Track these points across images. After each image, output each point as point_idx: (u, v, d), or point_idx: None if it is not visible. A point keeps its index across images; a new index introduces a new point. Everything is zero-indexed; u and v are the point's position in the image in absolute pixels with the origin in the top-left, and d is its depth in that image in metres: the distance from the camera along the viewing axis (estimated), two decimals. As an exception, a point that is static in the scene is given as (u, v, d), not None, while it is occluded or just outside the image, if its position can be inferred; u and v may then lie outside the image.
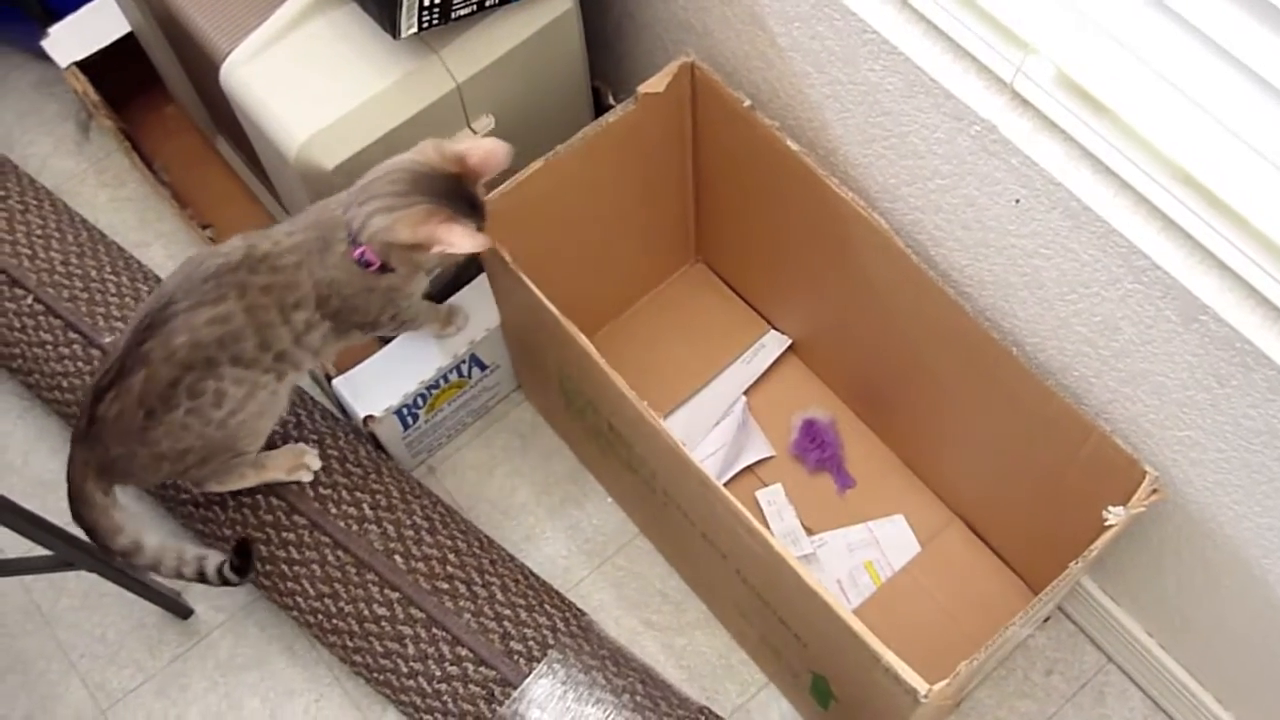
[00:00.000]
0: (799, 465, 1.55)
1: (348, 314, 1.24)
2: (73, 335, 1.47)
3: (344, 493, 1.37)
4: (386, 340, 1.48)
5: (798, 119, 1.33)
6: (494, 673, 1.27)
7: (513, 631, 1.30)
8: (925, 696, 1.00)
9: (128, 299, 1.50)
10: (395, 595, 1.32)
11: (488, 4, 1.28)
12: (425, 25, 1.25)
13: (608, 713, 1.25)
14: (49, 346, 1.47)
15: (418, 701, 1.30)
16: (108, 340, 1.45)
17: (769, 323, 1.63)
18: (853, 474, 1.54)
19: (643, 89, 1.33)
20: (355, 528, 1.35)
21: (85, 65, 1.73)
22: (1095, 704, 1.44)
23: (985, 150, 1.09)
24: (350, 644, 1.35)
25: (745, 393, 1.59)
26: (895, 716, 1.11)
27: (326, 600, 1.34)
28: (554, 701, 1.25)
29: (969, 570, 1.48)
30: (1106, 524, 1.10)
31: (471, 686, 1.28)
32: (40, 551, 1.31)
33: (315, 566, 1.35)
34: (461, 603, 1.31)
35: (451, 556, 1.35)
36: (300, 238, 1.21)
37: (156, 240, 1.80)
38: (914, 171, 1.21)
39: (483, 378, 1.56)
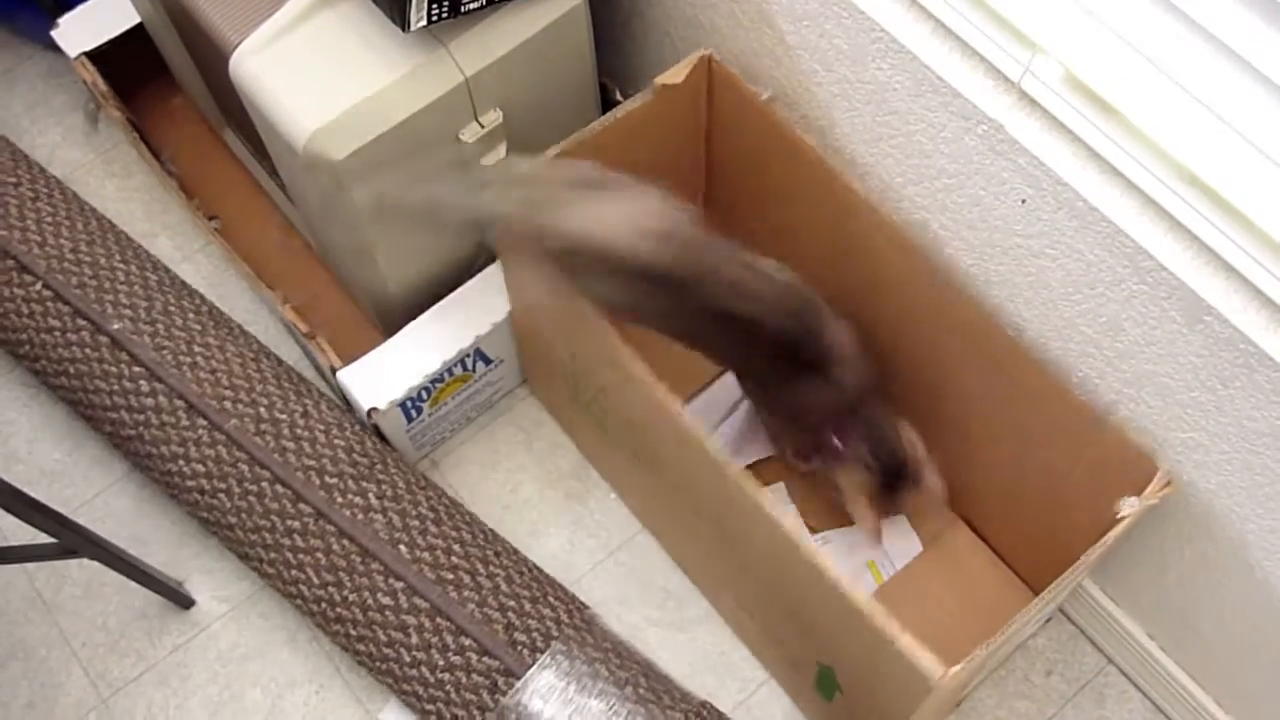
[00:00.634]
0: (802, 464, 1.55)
1: None
2: (80, 322, 1.47)
3: (350, 482, 1.38)
4: (390, 333, 1.49)
5: (805, 117, 1.33)
6: (497, 663, 1.27)
7: (516, 623, 1.30)
8: (940, 680, 0.99)
9: (136, 287, 1.50)
10: (400, 585, 1.32)
11: (498, -2, 1.29)
12: (434, 19, 1.25)
13: (610, 704, 1.25)
14: (56, 333, 1.48)
15: (420, 691, 1.31)
16: (115, 327, 1.45)
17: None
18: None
19: (660, 80, 1.33)
20: (361, 517, 1.35)
21: (94, 56, 1.73)
22: (1095, 705, 1.44)
23: (992, 150, 1.10)
24: (354, 633, 1.35)
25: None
26: (903, 706, 1.12)
27: (331, 589, 1.35)
28: (556, 693, 1.26)
29: (971, 571, 1.48)
30: (1119, 516, 1.11)
31: (475, 676, 1.28)
32: (43, 539, 1.31)
33: (320, 555, 1.35)
34: (466, 593, 1.31)
35: (456, 548, 1.35)
36: None
37: (163, 231, 1.80)
38: (921, 170, 1.22)
39: (487, 372, 1.56)
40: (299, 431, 1.40)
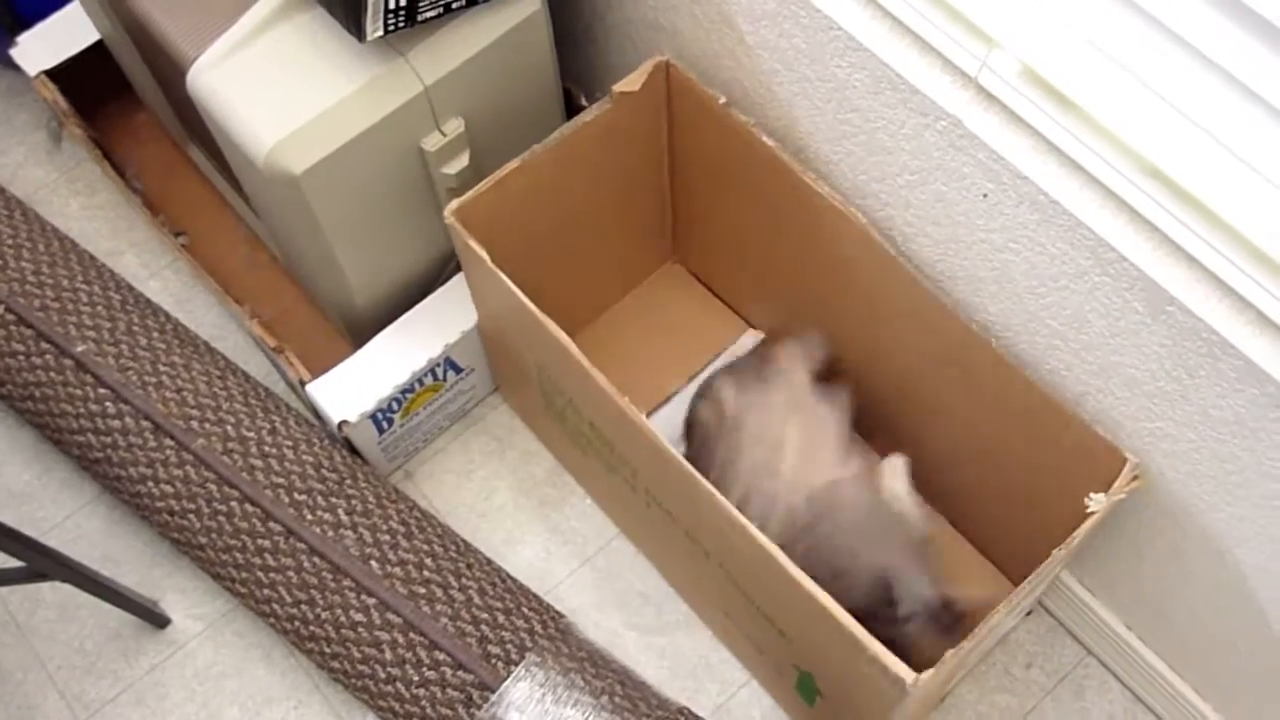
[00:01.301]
0: None
1: None
2: (45, 345, 1.46)
3: (319, 499, 1.37)
4: (360, 344, 1.48)
5: (768, 117, 1.33)
6: (472, 677, 1.27)
7: (490, 635, 1.29)
8: (913, 685, 0.99)
9: (100, 308, 1.49)
10: (372, 601, 1.31)
11: (454, 6, 1.28)
12: (391, 28, 1.24)
13: (586, 714, 1.24)
14: (20, 357, 1.46)
15: (396, 707, 1.30)
16: (80, 350, 1.44)
17: (746, 323, 1.63)
18: (831, 471, 1.54)
19: (618, 88, 1.33)
20: (331, 534, 1.35)
21: (55, 74, 1.72)
22: (1075, 697, 1.44)
23: (952, 145, 1.10)
24: (328, 650, 1.34)
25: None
26: (882, 709, 1.11)
27: (303, 607, 1.34)
28: (532, 704, 1.25)
29: (950, 564, 1.48)
30: (1089, 511, 1.10)
31: (450, 691, 1.27)
32: (13, 563, 1.30)
33: (292, 573, 1.34)
34: (439, 607, 1.31)
35: (428, 561, 1.35)
36: None
37: (130, 249, 1.79)
38: (883, 168, 1.21)
39: (459, 381, 1.55)
40: (267, 449, 1.39)
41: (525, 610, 1.33)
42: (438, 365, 1.49)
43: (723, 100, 1.31)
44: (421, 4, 1.24)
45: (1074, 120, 0.99)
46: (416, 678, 1.28)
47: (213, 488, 1.38)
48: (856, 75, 1.15)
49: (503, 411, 1.65)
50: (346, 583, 1.32)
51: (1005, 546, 1.44)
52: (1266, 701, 1.25)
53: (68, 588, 1.40)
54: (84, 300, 1.50)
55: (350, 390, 1.44)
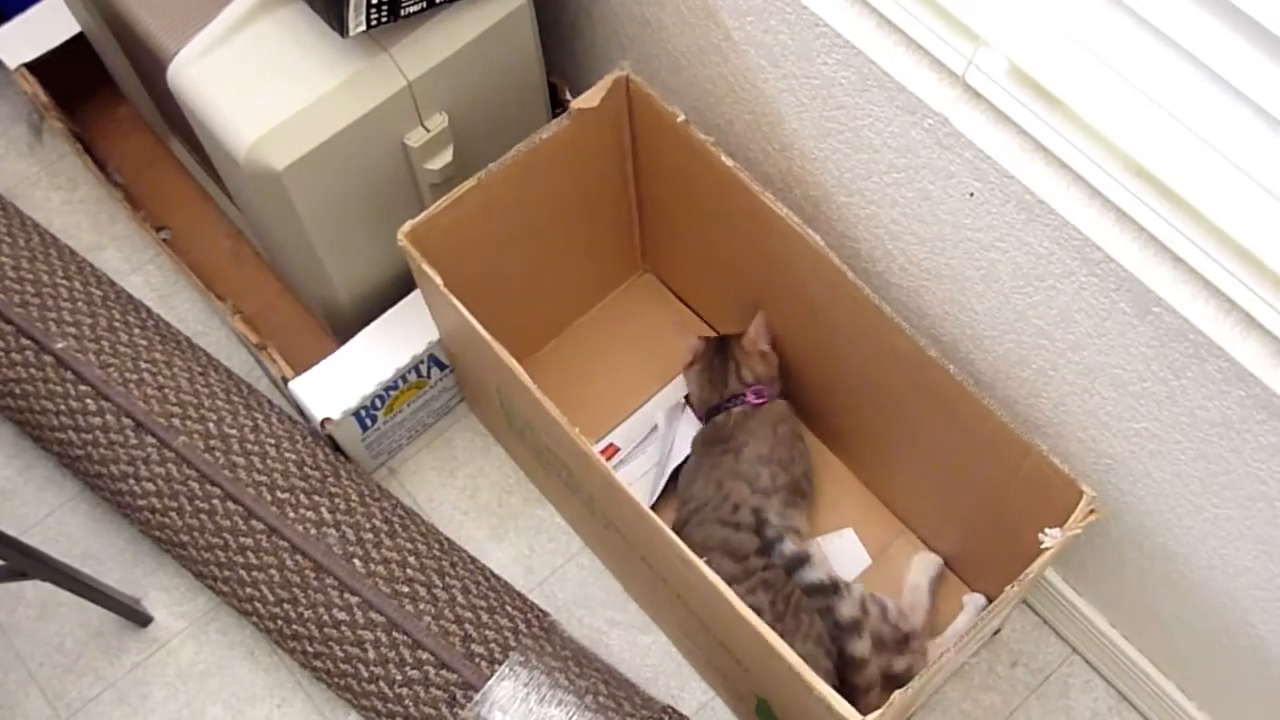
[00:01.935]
0: None
1: None
2: (24, 341, 1.44)
3: (302, 496, 1.36)
4: (344, 340, 1.47)
5: (753, 113, 1.32)
6: (455, 676, 1.26)
7: (474, 634, 1.29)
8: None
9: (80, 303, 1.48)
10: (355, 600, 1.30)
11: (438, 1, 1.27)
12: (374, 23, 1.23)
13: (569, 713, 1.24)
14: (0, 353, 1.45)
15: (379, 706, 1.29)
16: (60, 346, 1.43)
17: (717, 333, 1.62)
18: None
19: (576, 104, 1.31)
20: (314, 532, 1.34)
21: (35, 66, 1.71)
22: (1060, 695, 1.44)
23: (939, 144, 1.09)
24: (310, 649, 1.33)
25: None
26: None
27: (286, 606, 1.33)
28: (516, 703, 1.24)
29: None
30: (1042, 546, 1.10)
31: (433, 690, 1.26)
32: (-8, 561, 1.29)
33: (274, 572, 1.33)
34: (422, 606, 1.30)
35: (411, 559, 1.34)
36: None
37: (111, 243, 1.77)
38: (869, 165, 1.21)
39: (442, 378, 1.54)
40: (249, 446, 1.38)
41: (509, 609, 1.33)
42: (421, 362, 1.48)
43: (681, 118, 1.30)
44: (405, -1, 1.23)
45: (1061, 119, 0.99)
46: (400, 677, 1.27)
47: (194, 485, 1.37)
48: (843, 72, 1.14)
49: (487, 408, 1.64)
50: (329, 581, 1.31)
51: (975, 566, 1.43)
52: (1250, 699, 1.25)
53: (49, 585, 1.39)
54: (64, 296, 1.48)
55: (333, 387, 1.43)
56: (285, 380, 1.45)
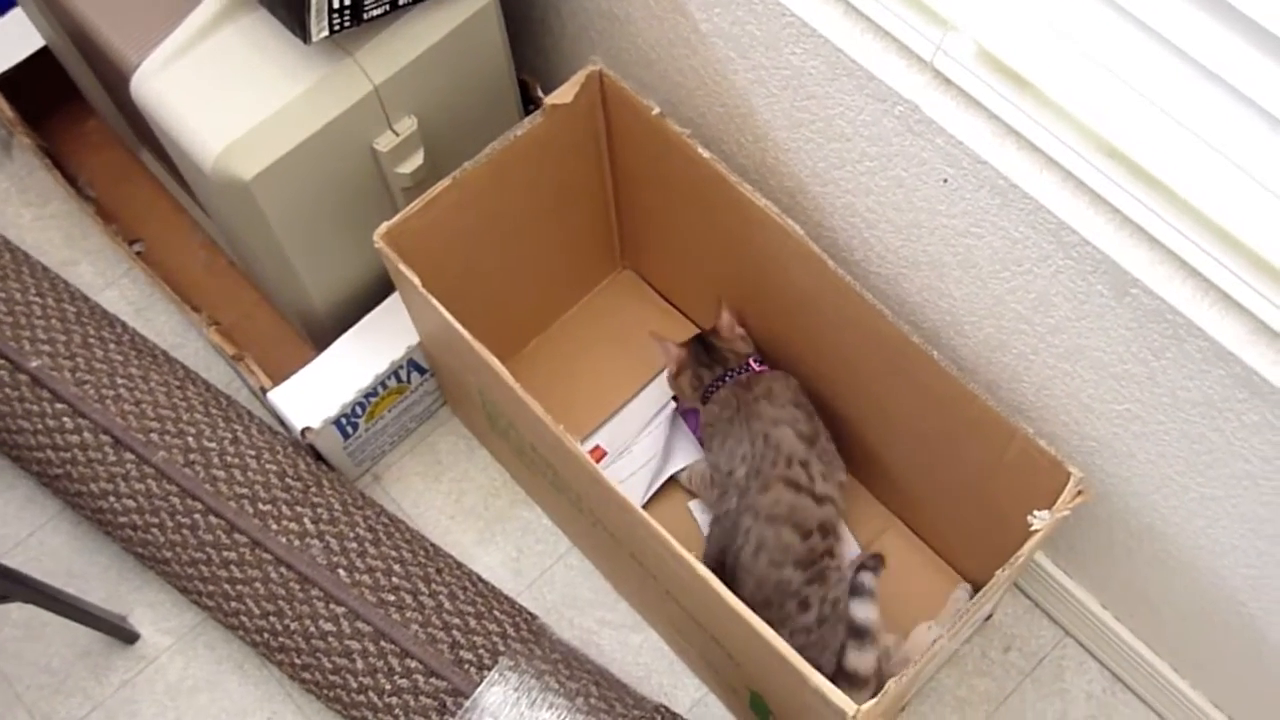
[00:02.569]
0: None
1: None
2: (-1, 361, 1.43)
3: (284, 508, 1.35)
4: (322, 348, 1.46)
5: (725, 105, 1.31)
6: (445, 683, 1.25)
7: (462, 640, 1.28)
8: (853, 717, 0.99)
9: (54, 320, 1.46)
10: (341, 610, 1.29)
11: (401, 3, 1.26)
12: (337, 28, 1.22)
13: (561, 716, 1.23)
14: (-27, 374, 1.44)
15: (369, 716, 1.28)
16: (34, 364, 1.41)
17: (699, 328, 1.61)
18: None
19: (549, 100, 1.30)
20: (297, 543, 1.33)
21: (1, 81, 1.69)
22: (1054, 678, 1.44)
23: (910, 131, 1.08)
24: (299, 661, 1.32)
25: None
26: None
27: (272, 618, 1.32)
28: (507, 709, 1.23)
29: (910, 570, 1.46)
30: (1032, 529, 1.09)
31: (423, 699, 1.26)
32: (-28, 587, 1.28)
33: (259, 585, 1.32)
34: (409, 614, 1.29)
35: (397, 567, 1.33)
36: None
37: (85, 258, 1.76)
38: (842, 155, 1.20)
39: (423, 382, 1.53)
40: (229, 459, 1.37)
41: (497, 613, 1.32)
42: (401, 367, 1.46)
43: (656, 110, 1.29)
44: (367, 2, 1.22)
45: (1031, 102, 0.98)
46: (389, 686, 1.26)
47: (175, 500, 1.35)
48: (811, 62, 1.13)
49: (470, 410, 1.63)
50: (315, 592, 1.30)
51: (966, 553, 1.43)
52: (1243, 677, 1.24)
53: (32, 607, 1.38)
54: (38, 314, 1.47)
55: (313, 396, 1.42)
56: (264, 391, 1.44)
